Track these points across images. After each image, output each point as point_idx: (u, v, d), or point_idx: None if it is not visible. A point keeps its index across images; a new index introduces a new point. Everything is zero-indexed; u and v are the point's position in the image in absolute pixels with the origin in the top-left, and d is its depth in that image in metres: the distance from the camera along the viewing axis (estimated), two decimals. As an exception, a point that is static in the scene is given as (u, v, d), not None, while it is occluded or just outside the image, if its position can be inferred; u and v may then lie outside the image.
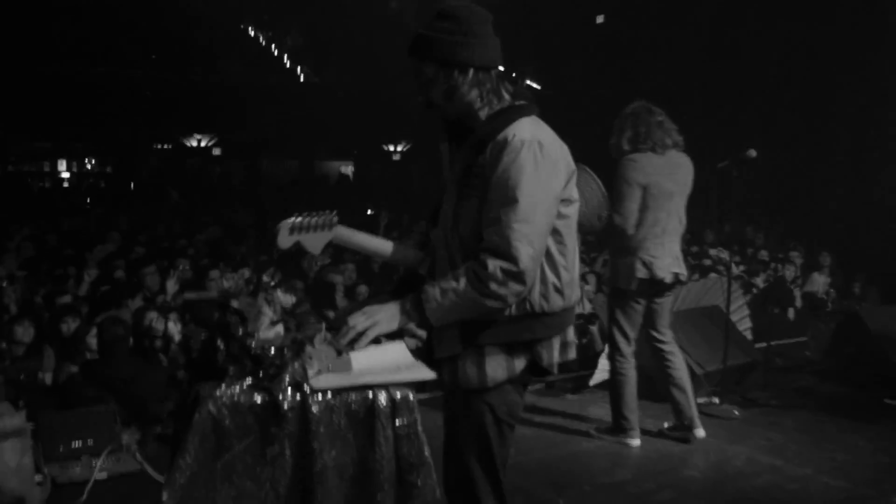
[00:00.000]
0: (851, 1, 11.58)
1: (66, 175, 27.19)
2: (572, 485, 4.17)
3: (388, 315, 2.25)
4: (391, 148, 29.29)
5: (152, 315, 5.45)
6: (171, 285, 6.33)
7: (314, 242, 2.31)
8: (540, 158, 2.19)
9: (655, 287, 4.64)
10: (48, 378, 5.39)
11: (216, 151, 27.72)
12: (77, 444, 4.25)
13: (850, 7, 11.62)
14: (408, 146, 28.75)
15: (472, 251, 2.23)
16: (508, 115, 2.27)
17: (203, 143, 26.86)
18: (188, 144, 26.67)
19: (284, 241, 2.27)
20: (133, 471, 4.12)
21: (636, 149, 4.56)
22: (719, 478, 4.35)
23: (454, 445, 2.37)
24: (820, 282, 10.30)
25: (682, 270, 4.71)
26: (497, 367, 2.27)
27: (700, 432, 4.83)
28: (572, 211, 2.33)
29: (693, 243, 11.70)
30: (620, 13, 16.78)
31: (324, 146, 27.80)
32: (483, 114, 2.33)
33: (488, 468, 2.34)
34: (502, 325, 2.26)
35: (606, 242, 4.53)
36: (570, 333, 2.45)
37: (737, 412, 5.39)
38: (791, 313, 8.90)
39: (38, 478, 3.89)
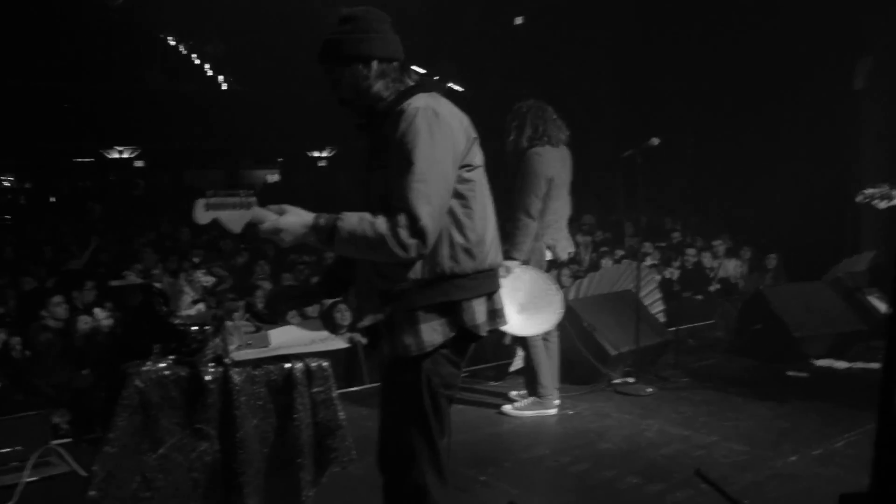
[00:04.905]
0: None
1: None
2: (494, 462, 4.37)
3: (301, 219, 2.38)
4: (316, 154, 29.24)
5: (82, 317, 5.50)
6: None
7: (233, 221, 2.40)
8: (434, 123, 2.36)
9: (554, 266, 5.12)
10: None
11: (139, 163, 27.26)
12: (6, 450, 4.29)
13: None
14: (333, 151, 28.73)
15: None
16: (409, 92, 2.47)
17: (125, 155, 26.40)
18: (109, 157, 26.17)
19: (201, 216, 2.37)
20: (64, 472, 4.16)
21: (534, 144, 4.88)
22: (632, 448, 4.60)
23: (391, 417, 2.47)
24: (737, 267, 10.73)
25: (573, 249, 5.29)
26: (432, 331, 2.38)
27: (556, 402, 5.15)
28: (476, 176, 2.49)
29: (613, 235, 12.06)
30: (538, 15, 17.16)
31: (248, 155, 27.64)
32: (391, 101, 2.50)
33: (426, 439, 2.43)
34: (418, 290, 2.38)
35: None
36: (498, 301, 2.55)
37: (649, 389, 5.67)
38: (703, 298, 9.30)
39: (-34, 484, 3.92)
